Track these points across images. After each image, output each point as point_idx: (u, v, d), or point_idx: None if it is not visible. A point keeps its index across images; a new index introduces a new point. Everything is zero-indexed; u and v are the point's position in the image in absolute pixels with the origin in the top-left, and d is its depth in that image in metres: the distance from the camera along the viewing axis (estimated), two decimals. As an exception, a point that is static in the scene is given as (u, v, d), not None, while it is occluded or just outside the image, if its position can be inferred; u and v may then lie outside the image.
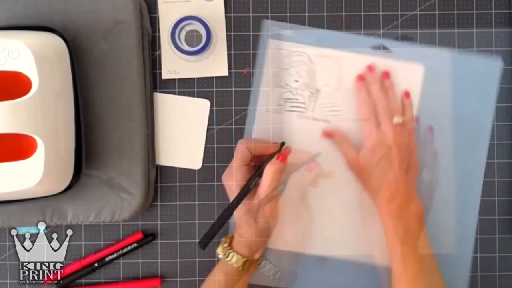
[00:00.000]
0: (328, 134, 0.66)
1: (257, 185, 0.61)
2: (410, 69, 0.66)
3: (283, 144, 0.63)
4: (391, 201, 0.60)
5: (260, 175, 0.60)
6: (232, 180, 0.61)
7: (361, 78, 0.65)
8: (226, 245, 0.61)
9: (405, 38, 0.67)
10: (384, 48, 0.66)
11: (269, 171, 0.60)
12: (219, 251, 0.61)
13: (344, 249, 0.65)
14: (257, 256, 0.61)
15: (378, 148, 0.62)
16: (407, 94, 0.65)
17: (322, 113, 0.66)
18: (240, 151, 0.62)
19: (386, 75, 0.65)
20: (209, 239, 0.58)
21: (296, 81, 0.66)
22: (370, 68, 0.65)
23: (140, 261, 0.66)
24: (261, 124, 0.66)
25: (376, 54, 0.66)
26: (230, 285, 0.59)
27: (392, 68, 0.66)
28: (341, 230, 0.66)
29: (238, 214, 0.61)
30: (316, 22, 0.66)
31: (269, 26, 0.66)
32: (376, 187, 0.62)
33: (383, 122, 0.63)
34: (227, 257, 0.60)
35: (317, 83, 0.66)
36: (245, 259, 0.59)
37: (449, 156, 0.66)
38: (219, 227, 0.59)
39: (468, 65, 0.66)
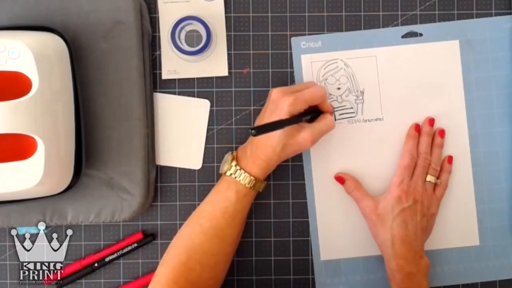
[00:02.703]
0: (340, 180, 0.65)
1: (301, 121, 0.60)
2: (446, 46, 0.66)
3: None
4: (404, 257, 0.60)
5: (315, 118, 0.61)
6: (286, 102, 0.58)
7: (417, 128, 0.65)
8: (234, 163, 0.60)
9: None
10: (414, 34, 0.66)
11: (327, 123, 0.61)
12: (226, 168, 0.60)
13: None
14: (265, 177, 0.61)
15: (405, 199, 0.61)
16: (450, 160, 0.65)
17: (372, 112, 0.66)
18: (318, 92, 0.60)
19: (442, 133, 0.65)
20: (263, 129, 0.54)
21: (338, 88, 0.66)
22: (431, 122, 0.65)
23: (140, 261, 0.66)
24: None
25: (409, 42, 0.66)
26: (241, 203, 0.59)
27: (429, 48, 0.66)
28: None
29: (274, 137, 0.59)
30: (316, 22, 0.66)
31: (298, 43, 0.66)
32: (390, 237, 0.60)
33: (418, 176, 0.63)
34: (239, 176, 0.59)
35: (359, 85, 0.66)
36: (253, 178, 0.59)
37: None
38: (273, 127, 0.56)
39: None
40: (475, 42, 0.66)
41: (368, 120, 0.66)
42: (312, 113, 0.62)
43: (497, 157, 0.66)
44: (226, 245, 0.60)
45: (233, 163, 0.60)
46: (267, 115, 0.59)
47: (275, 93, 0.60)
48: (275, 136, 0.58)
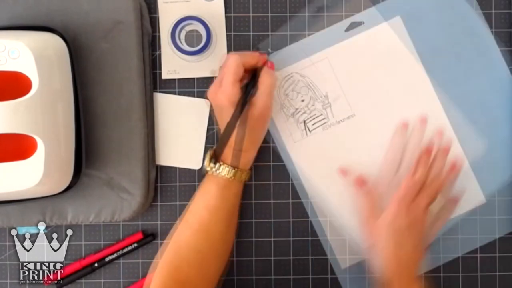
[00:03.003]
0: (343, 173, 0.65)
1: (252, 96, 0.59)
2: (388, 26, 0.66)
3: (268, 53, 0.63)
4: (399, 278, 0.58)
5: (254, 86, 0.59)
6: (224, 97, 0.58)
7: (430, 149, 0.63)
8: (212, 159, 0.60)
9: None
10: (356, 24, 0.66)
11: (268, 80, 0.59)
12: (207, 165, 0.60)
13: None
14: (248, 166, 0.61)
15: (405, 217, 0.59)
16: (457, 199, 0.64)
17: (342, 112, 0.66)
18: (235, 65, 0.58)
19: (440, 133, 0.65)
20: (221, 147, 0.56)
21: (302, 100, 0.66)
22: (423, 120, 0.64)
23: (140, 261, 0.66)
24: (299, 154, 0.66)
25: (354, 33, 0.66)
26: (222, 195, 0.59)
27: (372, 34, 0.66)
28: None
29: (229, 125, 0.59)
30: (315, 23, 0.66)
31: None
32: (385, 254, 0.59)
33: (424, 196, 0.61)
34: (217, 169, 0.59)
35: (321, 90, 0.66)
36: (235, 169, 0.59)
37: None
38: (223, 145, 0.58)
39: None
40: (417, 12, 0.66)
41: (341, 120, 0.66)
42: (251, 81, 0.60)
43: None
44: (212, 240, 0.59)
45: (212, 159, 0.60)
46: (219, 119, 0.61)
47: (209, 98, 0.61)
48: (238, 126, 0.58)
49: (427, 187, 0.61)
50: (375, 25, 0.66)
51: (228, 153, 0.59)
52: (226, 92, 0.58)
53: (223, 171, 0.59)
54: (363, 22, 0.66)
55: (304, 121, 0.66)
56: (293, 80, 0.66)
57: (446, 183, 0.63)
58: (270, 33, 0.66)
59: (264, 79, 0.59)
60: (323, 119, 0.66)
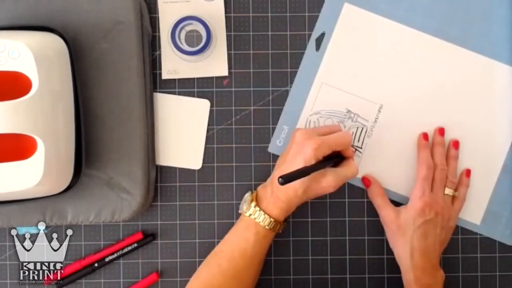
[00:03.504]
0: (366, 182, 0.65)
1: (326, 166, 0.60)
2: (345, 16, 0.66)
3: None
4: (422, 268, 0.60)
5: (336, 163, 0.61)
6: (315, 144, 0.57)
7: (425, 137, 0.65)
8: (254, 204, 0.60)
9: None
10: (320, 38, 0.66)
11: (352, 170, 0.61)
12: (246, 209, 0.60)
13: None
14: (284, 218, 0.60)
15: (428, 211, 0.61)
16: (468, 173, 0.65)
17: (371, 111, 0.66)
18: (345, 141, 0.60)
19: (456, 144, 0.65)
20: (290, 178, 0.54)
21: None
22: (441, 131, 0.65)
23: (140, 261, 0.66)
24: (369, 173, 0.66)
25: (325, 44, 0.66)
26: (260, 244, 0.59)
27: (339, 34, 0.65)
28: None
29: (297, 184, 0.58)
30: (315, 23, 0.66)
31: None
32: (409, 248, 0.60)
33: (438, 188, 0.62)
34: (255, 216, 0.59)
35: (340, 110, 0.66)
36: (273, 220, 0.59)
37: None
38: (300, 174, 0.56)
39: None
40: None
41: (376, 118, 0.66)
42: (335, 158, 0.62)
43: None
44: (244, 286, 0.60)
45: (253, 204, 0.60)
46: (291, 157, 0.59)
47: (299, 135, 0.59)
48: (297, 184, 0.58)
49: (438, 178, 0.63)
50: (333, 27, 0.66)
51: (270, 203, 0.59)
52: (320, 145, 0.57)
53: (265, 221, 0.58)
54: (324, 32, 0.66)
55: (352, 145, 0.65)
56: (313, 123, 0.66)
57: (453, 169, 0.64)
58: (270, 33, 0.66)
59: (350, 167, 0.61)
60: (361, 129, 0.66)
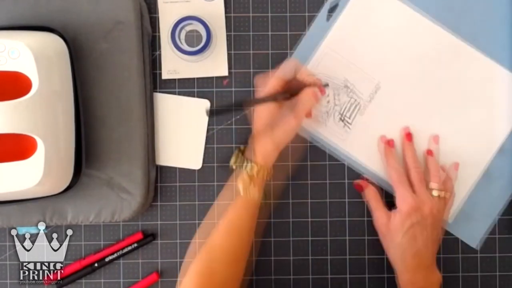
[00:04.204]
0: (359, 187, 0.66)
1: (280, 100, 0.61)
2: None
3: (326, 85, 0.64)
4: (415, 270, 0.60)
5: (292, 94, 0.61)
6: (263, 86, 0.61)
7: (391, 144, 0.65)
8: (240, 154, 0.62)
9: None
10: (333, 9, 0.66)
11: (310, 92, 0.60)
12: (233, 161, 0.62)
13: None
14: (271, 164, 0.61)
15: (414, 214, 0.60)
16: (456, 166, 0.65)
17: (368, 87, 0.66)
18: (289, 66, 0.61)
19: (435, 139, 0.65)
20: (219, 111, 0.56)
21: (328, 101, 0.66)
22: (408, 136, 0.65)
23: (140, 261, 0.66)
24: (355, 149, 0.66)
25: (336, 16, 0.66)
26: (249, 193, 0.60)
27: (352, 6, 0.66)
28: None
29: (259, 121, 0.61)
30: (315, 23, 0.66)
31: None
32: (401, 252, 0.60)
33: (420, 189, 0.62)
34: (242, 164, 0.60)
35: (338, 80, 0.66)
36: (259, 166, 0.60)
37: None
38: (229, 109, 0.58)
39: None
40: None
41: (371, 96, 0.66)
42: (288, 92, 0.61)
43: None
44: (243, 238, 0.60)
45: (239, 154, 0.62)
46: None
47: (255, 80, 0.62)
48: (260, 121, 0.60)
49: (415, 178, 0.63)
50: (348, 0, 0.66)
51: (252, 152, 0.61)
52: (261, 81, 0.61)
53: (251, 168, 0.60)
54: (338, 4, 0.66)
55: (340, 118, 0.66)
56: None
57: (433, 165, 0.64)
58: (270, 33, 0.66)
59: (304, 96, 0.60)
60: (355, 105, 0.66)
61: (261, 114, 0.61)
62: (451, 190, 0.64)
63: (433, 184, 0.62)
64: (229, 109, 0.57)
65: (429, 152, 0.65)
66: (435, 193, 0.62)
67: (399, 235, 0.60)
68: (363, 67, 0.66)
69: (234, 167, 0.62)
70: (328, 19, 0.66)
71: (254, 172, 0.60)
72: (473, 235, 0.66)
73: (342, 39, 0.66)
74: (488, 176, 0.66)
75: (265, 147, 0.60)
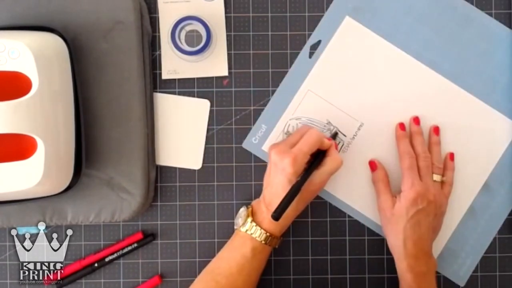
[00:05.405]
0: (372, 165, 0.65)
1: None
2: (344, 29, 0.66)
3: (335, 134, 0.65)
4: (415, 256, 0.60)
5: (319, 164, 0.60)
6: (291, 160, 0.57)
7: (402, 127, 0.65)
8: (250, 219, 0.60)
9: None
10: (315, 45, 0.66)
11: (335, 163, 0.60)
12: (241, 224, 0.60)
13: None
14: (281, 233, 0.61)
15: (420, 201, 0.60)
16: (452, 156, 0.65)
17: (351, 127, 0.65)
18: (316, 139, 0.59)
19: (436, 130, 0.65)
20: (282, 211, 0.54)
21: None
22: (416, 120, 0.65)
23: (140, 261, 0.66)
24: (336, 186, 0.66)
25: (319, 53, 0.65)
26: (257, 259, 0.59)
27: (335, 44, 0.65)
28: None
29: (275, 192, 0.59)
30: (315, 23, 0.66)
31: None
32: (402, 237, 0.60)
33: (426, 176, 0.62)
34: (251, 231, 0.59)
35: (321, 120, 0.65)
36: (269, 234, 0.59)
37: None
38: (289, 202, 0.56)
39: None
40: (363, 7, 0.66)
41: (354, 135, 0.66)
42: (317, 158, 0.61)
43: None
44: (252, 279, 0.60)
45: (249, 219, 0.60)
46: (273, 179, 0.59)
47: (274, 154, 0.59)
48: (286, 191, 0.57)
49: (423, 166, 0.63)
50: (330, 37, 0.66)
51: (265, 218, 0.59)
52: (296, 158, 0.58)
53: (261, 236, 0.59)
54: (320, 40, 0.66)
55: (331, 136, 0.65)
56: (292, 127, 0.66)
57: (437, 155, 0.65)
58: (270, 33, 0.66)
59: (331, 161, 0.60)
60: (338, 143, 0.66)
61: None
62: (451, 180, 0.65)
63: (435, 176, 0.63)
64: (289, 202, 0.56)
65: (434, 143, 0.65)
66: (436, 177, 0.63)
67: (404, 220, 0.60)
68: (345, 108, 0.65)
69: (241, 229, 0.60)
70: (310, 56, 0.66)
71: (263, 239, 0.59)
72: (458, 273, 0.66)
73: (324, 79, 0.65)
74: (471, 213, 0.66)
75: (285, 218, 0.58)
